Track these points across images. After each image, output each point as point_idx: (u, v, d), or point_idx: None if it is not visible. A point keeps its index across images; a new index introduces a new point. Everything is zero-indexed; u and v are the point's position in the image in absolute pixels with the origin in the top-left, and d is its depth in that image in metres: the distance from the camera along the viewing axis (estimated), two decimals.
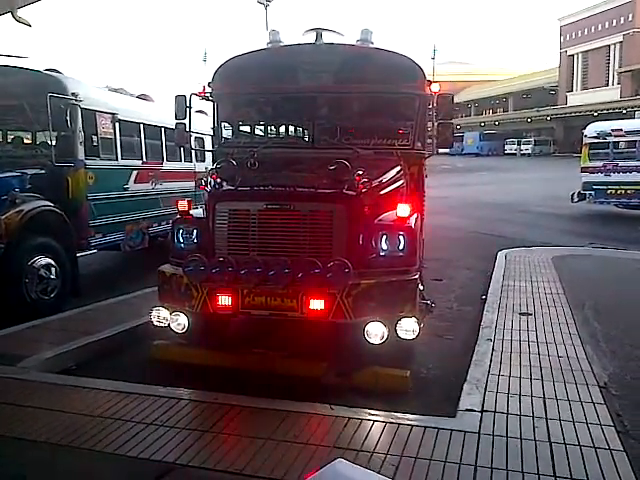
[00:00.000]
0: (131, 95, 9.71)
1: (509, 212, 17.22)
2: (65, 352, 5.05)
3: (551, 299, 7.00)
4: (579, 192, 16.40)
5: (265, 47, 6.18)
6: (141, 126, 8.85)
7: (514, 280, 8.07)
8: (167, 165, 9.65)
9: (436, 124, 5.73)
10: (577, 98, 53.13)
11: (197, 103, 6.32)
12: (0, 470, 3.24)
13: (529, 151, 54.89)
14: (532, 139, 57.31)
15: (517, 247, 10.88)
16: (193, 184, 10.28)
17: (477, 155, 54.25)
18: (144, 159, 8.95)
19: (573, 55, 55.33)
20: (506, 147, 58.13)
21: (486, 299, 7.03)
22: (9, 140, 8.33)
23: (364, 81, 5.68)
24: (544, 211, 17.43)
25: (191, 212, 5.09)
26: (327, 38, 5.89)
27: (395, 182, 5.40)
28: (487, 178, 31.59)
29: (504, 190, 23.90)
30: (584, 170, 16.51)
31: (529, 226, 14.54)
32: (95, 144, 7.76)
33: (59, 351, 5.04)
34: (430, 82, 5.79)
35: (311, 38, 5.86)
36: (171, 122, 9.11)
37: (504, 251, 10.34)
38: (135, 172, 8.61)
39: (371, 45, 6.06)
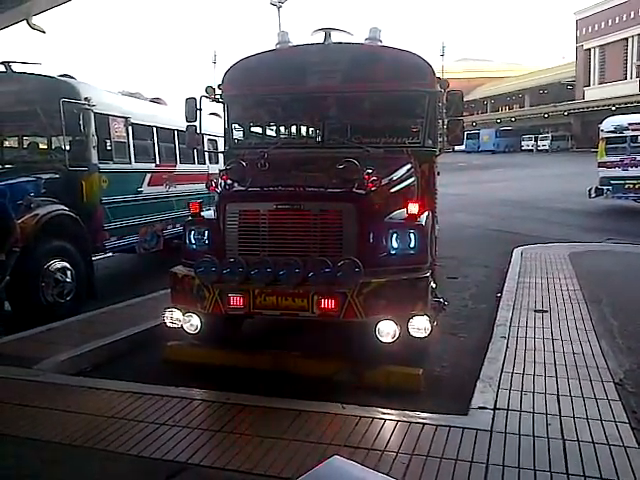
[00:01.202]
0: (146, 99, 9.80)
1: (526, 209, 17.08)
2: (80, 354, 5.12)
3: (567, 296, 6.94)
4: (596, 187, 16.20)
5: (274, 48, 6.20)
6: (154, 129, 8.94)
7: (530, 277, 8.01)
8: (180, 167, 9.72)
9: (446, 121, 5.70)
10: (594, 92, 52.39)
11: (210, 105, 6.36)
12: (16, 470, 3.29)
13: (546, 147, 54.25)
14: (549, 135, 56.62)
15: (534, 244, 10.79)
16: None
17: (493, 152, 53.76)
18: (157, 162, 9.03)
19: (590, 49, 54.58)
20: (523, 143, 57.52)
21: (501, 296, 6.99)
22: (24, 145, 8.45)
23: (373, 80, 5.67)
24: (561, 207, 17.25)
25: (203, 213, 5.13)
26: (336, 37, 5.89)
27: (406, 180, 5.38)
28: (503, 175, 31.35)
29: (520, 187, 23.70)
30: (601, 165, 16.31)
31: (546, 222, 14.42)
32: (108, 148, 7.86)
33: (74, 353, 5.11)
34: (439, 79, 5.77)
35: (320, 38, 5.87)
36: (184, 125, 9.29)
37: (520, 248, 10.27)
38: (149, 175, 8.69)
39: (379, 43, 6.05)
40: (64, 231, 6.73)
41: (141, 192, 8.44)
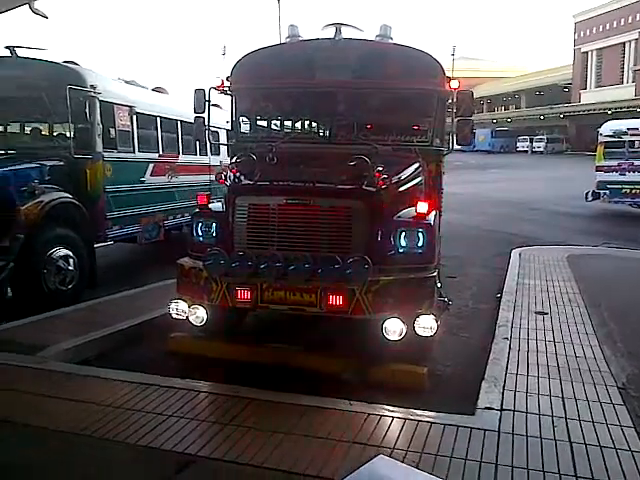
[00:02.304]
0: (143, 87, 9.72)
1: (522, 210, 17.15)
2: (84, 343, 5.10)
3: (567, 298, 6.98)
4: (593, 191, 16.28)
5: (283, 42, 6.18)
6: (158, 119, 8.90)
7: (529, 279, 8.04)
8: (183, 158, 9.70)
9: (455, 121, 5.70)
10: (591, 96, 52.60)
11: (213, 97, 6.32)
12: (24, 459, 3.28)
13: (541, 149, 54.42)
14: (544, 137, 56.83)
15: (531, 245, 10.85)
16: (208, 177, 10.31)
17: (489, 152, 53.87)
18: (160, 152, 9.00)
19: (587, 52, 54.73)
20: (518, 144, 57.67)
21: (501, 297, 7.02)
22: (27, 132, 8.38)
23: (383, 77, 5.65)
24: (558, 210, 17.33)
25: (210, 206, 5.11)
26: (346, 33, 5.86)
27: (414, 179, 5.38)
28: (499, 175, 31.45)
29: (517, 188, 23.79)
30: (599, 169, 16.39)
31: (543, 224, 14.48)
32: (113, 136, 7.80)
33: (78, 342, 5.10)
34: (449, 79, 5.76)
35: (330, 33, 5.84)
36: (187, 115, 9.25)
37: (518, 249, 10.32)
38: (151, 165, 8.66)
39: (390, 41, 6.04)
40: (67, 219, 6.70)
41: (144, 182, 8.42)
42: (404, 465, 1.37)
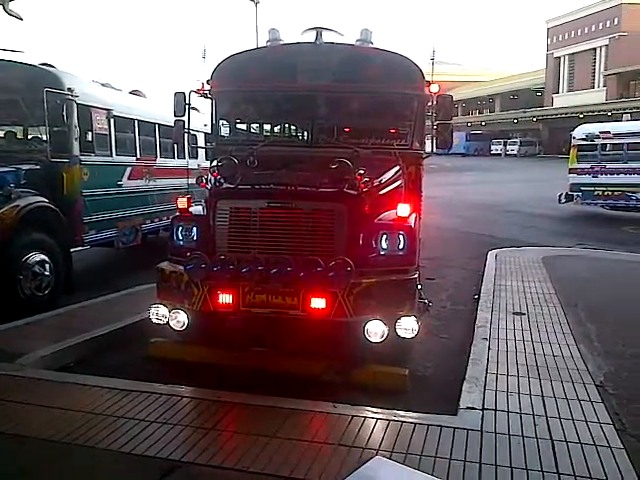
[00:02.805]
0: (117, 90, 9.62)
1: (498, 212, 17.38)
2: (62, 349, 5.02)
3: (543, 299, 7.08)
4: (566, 193, 16.58)
5: (264, 45, 6.18)
6: (135, 122, 8.81)
7: (505, 280, 8.14)
8: (160, 162, 9.62)
9: (435, 124, 5.76)
10: (563, 100, 53.62)
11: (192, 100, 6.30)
12: (7, 468, 3.22)
13: (515, 152, 55.26)
14: (518, 140, 57.72)
15: (507, 247, 10.98)
16: (186, 181, 10.25)
17: (463, 155, 54.44)
18: (138, 155, 8.92)
19: (560, 57, 55.81)
20: (492, 147, 58.47)
21: (479, 299, 7.09)
22: (2, 135, 8.24)
23: (363, 81, 5.69)
24: (532, 212, 17.59)
25: (190, 209, 5.08)
26: (327, 37, 5.89)
27: (394, 182, 5.43)
28: (474, 178, 31.79)
29: (492, 190, 24.08)
30: (572, 171, 16.69)
31: (518, 226, 14.68)
32: (90, 140, 7.73)
33: (56, 348, 5.01)
34: (429, 83, 5.82)
35: (311, 37, 5.86)
36: (164, 118, 9.19)
37: (494, 251, 10.44)
38: (129, 168, 8.58)
39: (371, 45, 6.08)
40: (44, 223, 6.59)
41: (121, 185, 8.33)
42: (402, 466, 1.38)
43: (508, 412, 3.86)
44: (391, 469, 1.34)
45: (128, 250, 9.16)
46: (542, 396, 4.16)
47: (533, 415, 3.83)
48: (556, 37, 55.94)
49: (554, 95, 56.33)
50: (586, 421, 3.75)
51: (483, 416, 3.79)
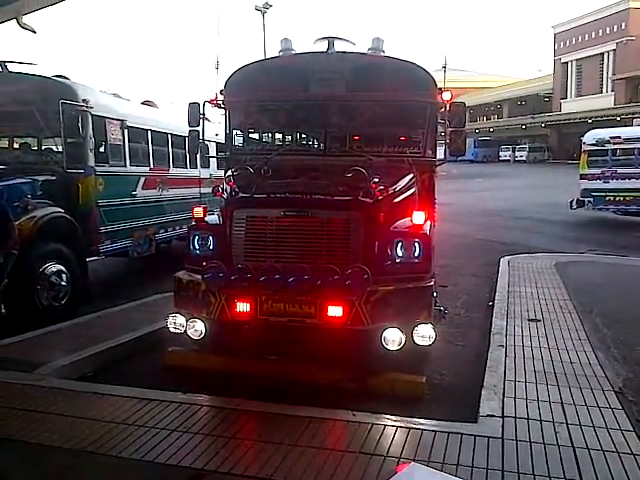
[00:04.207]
0: (126, 101, 9.71)
1: (509, 219, 17.33)
2: (82, 359, 5.06)
3: (558, 305, 7.06)
4: (578, 199, 16.49)
5: (277, 55, 6.23)
6: (148, 132, 8.90)
7: (519, 286, 8.12)
8: (173, 171, 9.69)
9: (449, 132, 5.78)
10: (571, 105, 53.36)
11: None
12: (32, 476, 3.24)
13: (523, 158, 55.00)
14: (527, 146, 57.47)
15: (519, 253, 10.96)
16: (198, 190, 10.32)
17: (472, 162, 54.15)
18: (151, 165, 8.99)
19: (567, 62, 55.57)
20: (501, 154, 58.24)
21: (493, 305, 7.08)
22: (18, 146, 8.33)
23: (375, 89, 5.72)
24: (543, 217, 17.53)
25: (206, 219, 5.12)
26: (339, 46, 5.94)
27: (408, 189, 5.45)
28: (484, 185, 31.73)
29: (502, 197, 24.02)
30: (583, 177, 16.62)
31: (529, 232, 14.64)
32: (104, 150, 7.80)
33: (75, 358, 5.06)
34: (441, 90, 5.85)
35: (322, 47, 5.91)
36: (177, 129, 9.27)
37: (507, 257, 10.43)
38: (143, 178, 8.66)
39: (382, 54, 6.12)
40: (60, 234, 6.65)
41: (135, 195, 8.39)
42: (439, 472, 1.38)
43: (528, 419, 3.85)
44: (427, 475, 1.34)
45: (142, 260, 9.21)
46: (561, 403, 4.14)
47: (553, 422, 3.82)
48: (563, 42, 55.78)
49: (562, 100, 56.12)
50: (607, 428, 3.73)
51: (503, 423, 3.78)
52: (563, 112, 54.22)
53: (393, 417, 3.88)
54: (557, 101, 56.96)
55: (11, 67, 7.43)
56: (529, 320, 6.38)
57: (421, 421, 3.83)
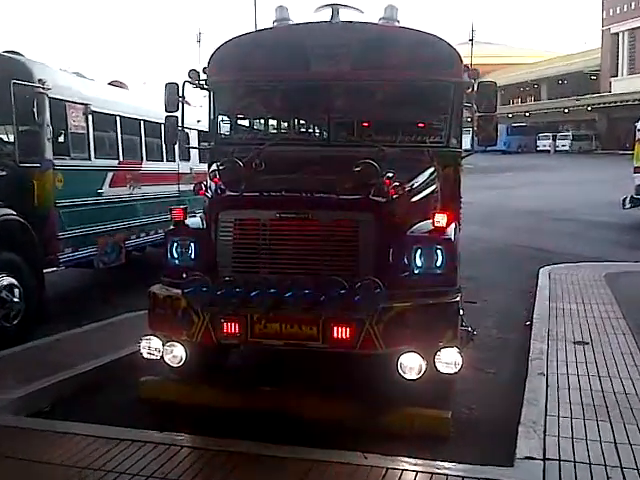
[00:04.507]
0: (92, 81, 9.73)
1: (547, 220, 17.39)
2: (37, 390, 5.05)
3: (609, 325, 7.07)
4: (632, 197, 16.45)
5: (271, 26, 6.26)
6: (117, 119, 8.94)
7: (562, 302, 8.16)
8: (147, 165, 9.74)
9: (476, 117, 5.79)
10: (623, 84, 53.46)
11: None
12: None
13: (566, 147, 55.27)
14: (570, 133, 57.72)
15: (561, 263, 11.00)
16: (177, 187, 10.37)
17: (504, 152, 54.30)
18: (121, 158, 9.03)
19: (618, 33, 55.74)
20: (538, 143, 58.53)
21: (531, 325, 7.09)
22: None
23: (389, 66, 5.74)
24: (589, 219, 17.57)
25: (187, 222, 5.13)
26: (344, 16, 5.96)
27: (429, 186, 5.47)
28: (519, 180, 31.82)
29: (540, 194, 24.08)
30: (638, 170, 16.61)
31: (573, 237, 14.68)
32: (64, 141, 7.82)
33: (30, 390, 5.05)
34: (468, 67, 5.87)
35: (326, 16, 5.94)
36: (151, 114, 9.30)
37: (547, 267, 10.48)
38: (111, 174, 8.69)
39: (397, 24, 6.14)
40: (12, 241, 6.64)
41: (102, 194, 8.42)
42: None
43: (575, 462, 3.85)
44: None
45: (110, 271, 9.22)
46: (614, 442, 4.13)
47: (605, 466, 3.81)
48: (613, 9, 55.95)
49: (612, 79, 56.23)
50: None
51: (545, 468, 3.77)
52: (613, 93, 54.30)
53: (412, 460, 3.89)
54: (606, 80, 57.05)
55: None
56: (575, 343, 6.39)
57: (445, 465, 3.83)
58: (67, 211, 7.62)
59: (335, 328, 4.42)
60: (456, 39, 45.29)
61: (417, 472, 3.73)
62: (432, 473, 3.72)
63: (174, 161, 10.49)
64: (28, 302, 6.80)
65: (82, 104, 8.02)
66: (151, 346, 4.97)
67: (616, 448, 4.05)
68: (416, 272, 4.71)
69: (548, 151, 55.86)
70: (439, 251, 4.70)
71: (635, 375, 5.45)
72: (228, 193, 4.91)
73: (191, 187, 8.07)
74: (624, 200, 16.61)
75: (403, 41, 5.88)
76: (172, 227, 5.16)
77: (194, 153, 10.45)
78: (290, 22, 6.23)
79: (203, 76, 6.11)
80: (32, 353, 6.04)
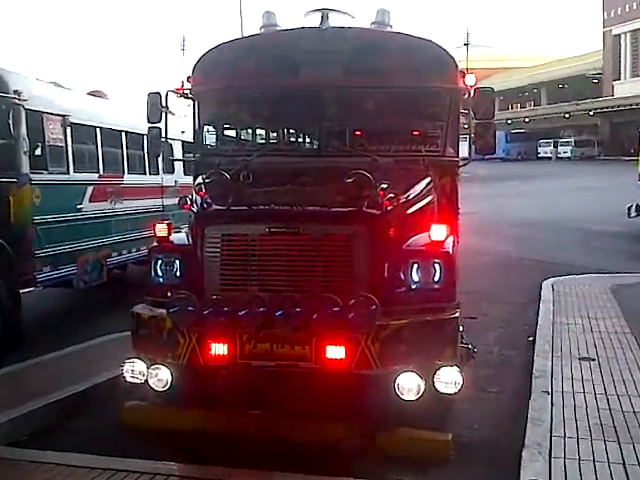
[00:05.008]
0: (69, 91, 9.74)
1: (550, 231, 17.45)
2: (15, 418, 5.03)
3: (616, 340, 7.10)
4: (637, 205, 16.54)
5: (258, 32, 6.29)
6: (97, 131, 8.95)
7: (567, 316, 8.18)
8: (129, 179, 9.75)
9: (473, 124, 5.83)
10: (626, 88, 53.78)
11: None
12: None
13: (568, 154, 55.57)
14: (571, 139, 58.03)
15: (565, 275, 11.02)
16: (160, 202, 10.36)
17: (503, 160, 54.54)
18: (101, 172, 9.04)
19: (620, 35, 56.16)
20: (539, 149, 58.84)
21: (535, 341, 7.11)
22: None
23: (382, 73, 5.76)
24: (593, 229, 17.63)
25: (172, 238, 5.13)
26: (334, 21, 5.99)
27: (425, 197, 5.49)
28: (519, 188, 31.92)
29: (541, 203, 24.15)
30: None
31: (577, 248, 14.74)
32: (42, 154, 7.81)
33: (5, 418, 5.01)
34: (464, 73, 5.91)
35: (315, 21, 5.97)
36: (133, 125, 9.31)
37: (550, 280, 10.51)
38: (91, 188, 8.68)
39: (389, 29, 6.18)
40: None
41: (81, 210, 8.42)
42: None
43: None
44: None
45: (90, 291, 9.19)
46: (624, 464, 4.14)
47: None
48: (614, 10, 56.37)
49: (615, 82, 56.60)
50: None
51: None
52: (616, 97, 54.63)
53: None
54: (608, 83, 57.43)
55: None
56: (580, 359, 6.41)
57: None
58: (45, 228, 7.60)
59: (328, 348, 4.43)
60: (451, 43, 45.54)
61: None
62: None
63: (157, 174, 10.50)
64: (4, 325, 6.78)
65: (60, 115, 8.03)
66: (135, 369, 4.96)
67: (625, 470, 4.06)
68: (413, 287, 4.73)
69: (549, 158, 56.15)
70: (437, 265, 4.72)
71: None
72: (215, 207, 4.92)
73: (176, 201, 8.07)
74: (629, 208, 16.68)
75: (396, 46, 5.91)
76: (156, 243, 5.16)
77: (178, 165, 10.43)
78: (278, 27, 6.26)
79: (187, 85, 6.14)
80: (7, 379, 6.01)
